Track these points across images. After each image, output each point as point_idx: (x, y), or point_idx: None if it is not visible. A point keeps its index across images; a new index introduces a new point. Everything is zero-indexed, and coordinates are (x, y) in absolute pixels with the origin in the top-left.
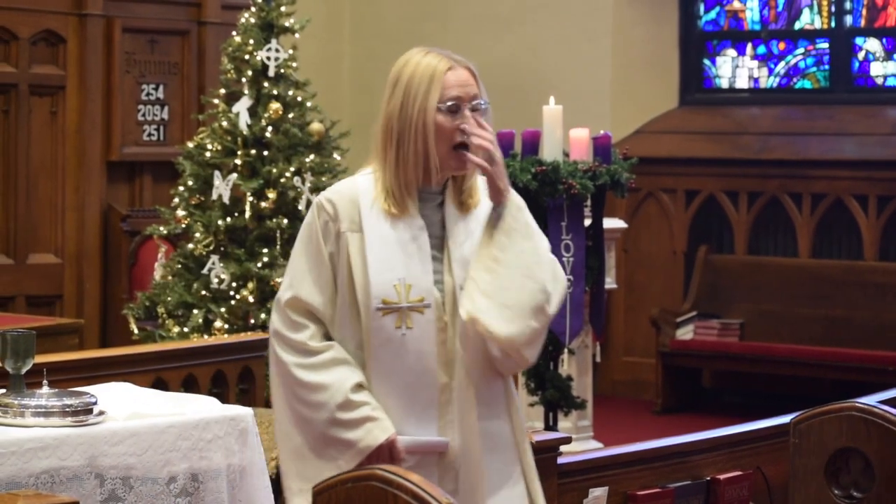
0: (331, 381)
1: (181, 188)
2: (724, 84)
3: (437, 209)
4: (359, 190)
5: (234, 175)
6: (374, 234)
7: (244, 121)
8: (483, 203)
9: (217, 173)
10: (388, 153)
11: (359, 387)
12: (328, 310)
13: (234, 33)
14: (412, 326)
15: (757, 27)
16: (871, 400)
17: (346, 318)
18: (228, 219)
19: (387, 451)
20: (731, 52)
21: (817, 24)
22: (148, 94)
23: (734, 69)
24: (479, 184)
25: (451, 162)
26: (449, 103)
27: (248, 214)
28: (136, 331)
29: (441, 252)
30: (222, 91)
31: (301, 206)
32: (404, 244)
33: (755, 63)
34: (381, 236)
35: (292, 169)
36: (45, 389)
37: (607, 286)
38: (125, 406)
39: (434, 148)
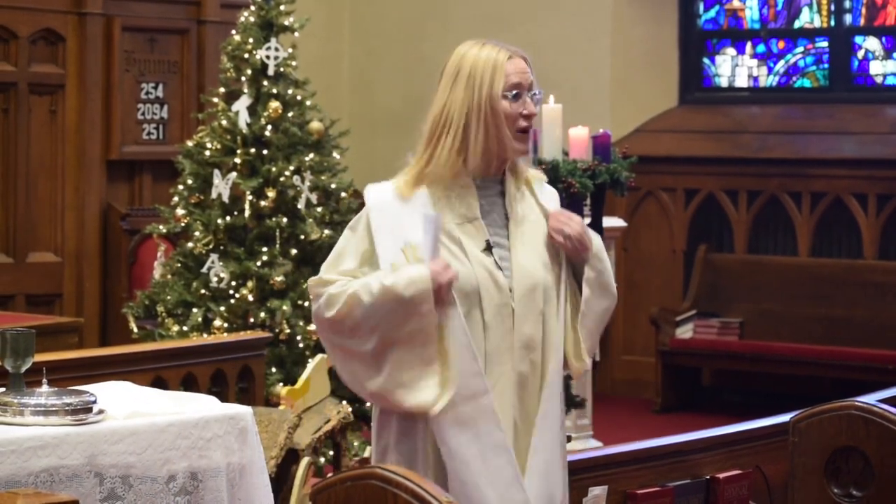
0: (357, 285)
1: (181, 187)
2: (724, 83)
3: (498, 198)
4: (393, 197)
5: (234, 174)
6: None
7: (244, 120)
8: (547, 187)
9: (216, 172)
10: (444, 140)
11: (377, 277)
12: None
13: (233, 32)
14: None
15: (756, 26)
16: (870, 399)
17: None
18: (228, 217)
19: (439, 284)
20: (731, 51)
21: (817, 23)
22: (147, 93)
23: (734, 68)
24: (537, 176)
25: (515, 145)
26: (511, 90)
27: (247, 213)
28: (135, 329)
29: (507, 239)
30: (222, 90)
31: (301, 205)
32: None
33: (754, 62)
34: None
35: (292, 168)
36: (45, 388)
37: None
38: (124, 405)
39: (500, 133)
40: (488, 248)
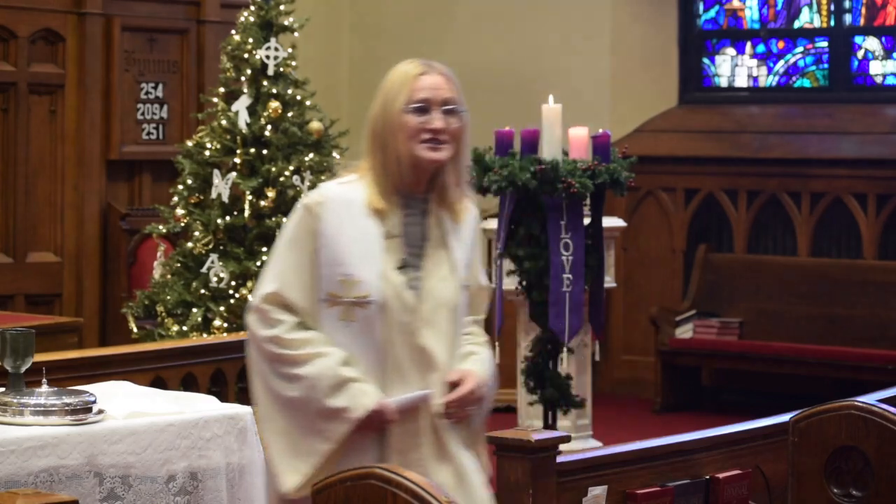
0: (314, 372)
1: (180, 187)
2: (724, 83)
3: (420, 217)
4: (342, 193)
5: (234, 174)
6: (334, 232)
7: (243, 119)
8: (469, 216)
9: (216, 172)
10: (376, 157)
11: (343, 362)
12: (309, 306)
13: (233, 32)
14: (355, 320)
15: (756, 26)
16: (870, 399)
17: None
18: (227, 217)
19: (379, 416)
20: (731, 51)
21: (816, 23)
22: (147, 93)
23: (733, 68)
24: (463, 200)
25: (422, 154)
26: (415, 104)
27: (247, 213)
28: (135, 329)
29: (420, 259)
30: (221, 90)
31: None
32: (359, 242)
33: (754, 62)
34: (340, 234)
35: (291, 167)
36: (45, 388)
37: (606, 285)
38: (124, 405)
39: (404, 146)
40: (402, 267)
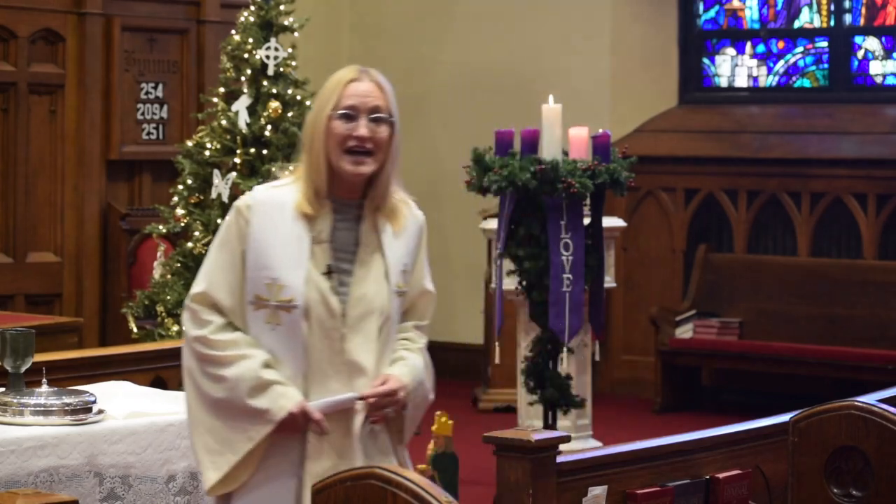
0: (236, 374)
1: (180, 187)
2: (724, 83)
3: (353, 223)
4: (273, 197)
5: (234, 174)
6: (261, 235)
7: (243, 119)
8: (411, 223)
9: (216, 172)
10: (305, 161)
11: (265, 365)
12: (236, 307)
13: (233, 32)
14: (280, 324)
15: (756, 26)
16: (870, 399)
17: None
18: None
19: (300, 418)
20: (731, 51)
21: (816, 23)
22: (147, 93)
23: (733, 68)
24: (403, 206)
25: (343, 165)
26: (342, 111)
27: None
28: (135, 329)
29: (352, 265)
30: (221, 90)
31: None
32: (286, 246)
33: (754, 62)
34: (267, 237)
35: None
36: (45, 388)
37: (606, 285)
38: (124, 405)
39: (330, 152)
40: (328, 273)
